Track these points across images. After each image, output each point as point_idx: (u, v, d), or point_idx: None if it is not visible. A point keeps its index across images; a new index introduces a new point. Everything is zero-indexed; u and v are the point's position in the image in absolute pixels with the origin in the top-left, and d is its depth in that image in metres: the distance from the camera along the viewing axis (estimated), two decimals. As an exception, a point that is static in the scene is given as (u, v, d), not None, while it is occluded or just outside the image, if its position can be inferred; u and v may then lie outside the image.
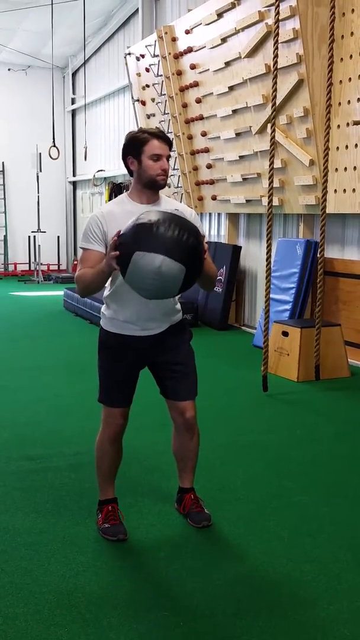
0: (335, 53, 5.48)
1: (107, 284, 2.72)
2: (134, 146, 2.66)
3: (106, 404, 2.79)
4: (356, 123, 5.46)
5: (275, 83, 5.37)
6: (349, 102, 5.63)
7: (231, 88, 7.17)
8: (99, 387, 2.82)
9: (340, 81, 5.68)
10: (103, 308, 2.82)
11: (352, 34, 5.54)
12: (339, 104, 5.71)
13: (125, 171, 11.72)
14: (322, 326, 5.38)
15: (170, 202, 2.79)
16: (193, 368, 2.84)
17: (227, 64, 7.15)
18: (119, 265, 2.41)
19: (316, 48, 5.74)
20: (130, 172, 2.70)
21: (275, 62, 5.29)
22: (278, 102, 5.92)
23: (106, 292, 2.76)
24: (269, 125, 5.31)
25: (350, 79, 5.59)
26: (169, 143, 2.69)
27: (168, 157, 2.68)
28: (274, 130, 5.37)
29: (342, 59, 5.65)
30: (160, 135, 2.67)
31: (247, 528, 2.85)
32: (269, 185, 5.31)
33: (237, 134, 7.22)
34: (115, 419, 2.78)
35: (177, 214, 2.42)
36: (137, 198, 2.70)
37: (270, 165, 5.35)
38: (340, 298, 6.06)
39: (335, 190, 5.78)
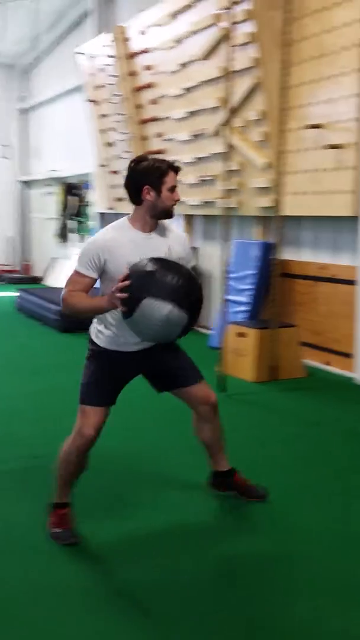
0: (290, 57, 5.55)
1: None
2: (153, 176, 2.61)
3: (93, 404, 2.70)
4: (311, 127, 5.54)
5: (231, 86, 5.41)
6: (304, 105, 5.71)
7: (186, 90, 7.18)
8: (83, 392, 2.74)
9: (296, 85, 5.75)
10: (99, 326, 2.73)
11: (306, 38, 5.62)
12: (295, 107, 5.78)
13: (80, 171, 11.52)
14: (278, 327, 5.44)
15: (168, 227, 2.77)
16: (188, 356, 2.93)
17: (182, 65, 7.16)
18: (125, 307, 2.41)
19: (271, 51, 5.79)
20: (138, 201, 2.64)
21: (231, 66, 5.32)
22: (234, 105, 5.96)
23: (106, 315, 2.68)
24: (225, 128, 5.34)
25: (305, 83, 5.67)
26: (178, 172, 2.69)
27: None
28: (229, 133, 5.40)
29: (297, 62, 5.72)
30: (175, 167, 2.67)
31: (205, 526, 2.84)
32: (225, 187, 5.35)
33: (193, 136, 7.23)
34: (93, 421, 2.68)
35: (183, 263, 2.51)
36: (140, 226, 2.67)
37: (226, 168, 5.39)
38: (296, 299, 6.13)
39: (291, 193, 5.84)
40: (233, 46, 5.39)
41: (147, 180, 2.61)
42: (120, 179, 8.87)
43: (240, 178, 6.45)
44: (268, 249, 6.26)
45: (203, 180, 7.24)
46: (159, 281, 2.38)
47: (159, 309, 2.36)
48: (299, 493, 3.24)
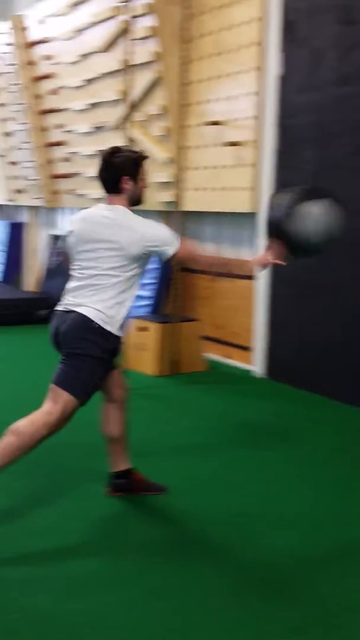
0: (190, 53, 5.59)
1: (115, 290, 2.74)
2: (133, 167, 2.82)
3: (84, 401, 2.73)
4: (211, 124, 5.60)
5: (130, 79, 5.39)
6: (204, 102, 5.76)
7: (87, 81, 7.08)
8: (79, 384, 2.71)
9: (196, 81, 5.80)
10: (108, 310, 2.72)
11: (206, 34, 5.67)
12: (195, 103, 5.83)
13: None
14: (180, 321, 5.47)
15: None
16: None
17: (83, 57, 7.06)
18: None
19: (172, 47, 5.80)
20: (116, 190, 2.81)
21: (131, 59, 5.30)
22: (134, 98, 5.94)
23: (115, 294, 2.74)
24: (126, 121, 5.32)
25: (205, 80, 5.72)
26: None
27: None
28: (130, 127, 5.38)
29: (196, 59, 5.76)
30: (145, 156, 2.92)
31: (103, 524, 2.83)
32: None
33: (94, 129, 7.15)
34: (70, 415, 2.72)
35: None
36: None
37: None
38: (198, 294, 6.20)
39: (192, 189, 5.89)
40: (133, 40, 5.37)
41: (126, 171, 2.80)
42: (20, 170, 8.74)
43: (142, 172, 6.42)
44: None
45: (104, 174, 7.17)
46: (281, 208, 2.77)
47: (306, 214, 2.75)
48: (195, 484, 3.28)
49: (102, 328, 2.72)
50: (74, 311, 2.75)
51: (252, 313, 5.50)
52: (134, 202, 2.87)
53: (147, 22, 5.86)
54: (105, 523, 2.85)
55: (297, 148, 4.94)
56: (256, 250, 5.47)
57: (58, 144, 7.94)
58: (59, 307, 2.85)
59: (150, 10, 5.76)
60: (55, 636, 2.07)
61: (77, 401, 2.71)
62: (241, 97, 5.39)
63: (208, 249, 6.16)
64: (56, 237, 8.44)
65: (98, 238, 2.78)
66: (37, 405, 2.72)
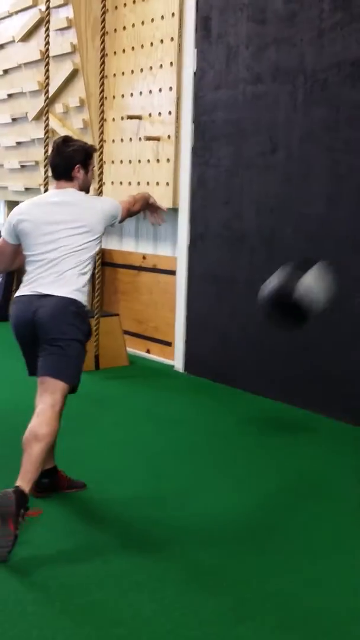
0: (108, 46, 5.55)
1: (87, 267, 2.88)
2: (85, 157, 2.96)
3: (72, 389, 2.87)
4: (130, 117, 5.59)
5: (48, 70, 5.32)
6: (122, 96, 5.74)
7: (5, 71, 6.94)
8: (71, 372, 2.81)
9: (114, 74, 5.77)
10: (82, 287, 2.86)
11: (124, 28, 5.65)
12: (113, 97, 5.80)
13: None
14: (101, 316, 5.46)
15: None
16: None
17: (1, 46, 6.91)
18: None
19: (90, 39, 5.75)
20: (68, 178, 2.93)
21: (47, 50, 5.23)
22: (53, 90, 5.87)
23: (83, 272, 2.87)
24: (46, 112, 5.25)
25: (123, 73, 5.70)
26: None
27: None
28: (47, 118, 5.32)
29: (115, 52, 5.73)
30: (95, 149, 3.15)
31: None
32: (45, 174, 5.26)
33: (13, 119, 7.02)
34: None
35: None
36: None
37: (45, 154, 5.30)
38: (120, 288, 6.19)
39: (112, 183, 5.87)
40: (48, 30, 5.29)
41: (78, 160, 2.93)
42: None
43: (62, 165, 6.35)
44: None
45: (25, 166, 7.06)
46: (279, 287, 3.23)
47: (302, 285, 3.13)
48: (115, 477, 3.31)
49: (83, 309, 2.83)
50: (50, 295, 2.78)
51: (173, 308, 5.54)
52: (83, 191, 3.00)
53: (65, 13, 5.78)
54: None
55: (213, 145, 4.99)
56: (176, 245, 5.51)
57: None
58: (23, 292, 2.86)
59: (67, 1, 5.69)
60: None
61: (70, 386, 2.82)
62: (158, 92, 5.39)
63: (129, 244, 6.15)
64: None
65: (59, 219, 2.85)
66: None
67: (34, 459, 2.62)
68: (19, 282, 3.03)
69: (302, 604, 2.30)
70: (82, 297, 2.86)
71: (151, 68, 5.43)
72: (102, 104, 5.34)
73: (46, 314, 2.75)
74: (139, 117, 5.55)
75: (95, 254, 2.98)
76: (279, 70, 4.45)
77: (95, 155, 3.08)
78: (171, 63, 5.24)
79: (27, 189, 7.10)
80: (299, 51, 4.31)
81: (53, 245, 2.84)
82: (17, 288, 2.97)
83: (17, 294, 2.91)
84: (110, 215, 3.00)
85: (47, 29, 5.31)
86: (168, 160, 5.35)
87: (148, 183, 5.52)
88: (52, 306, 2.76)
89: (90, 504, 3.04)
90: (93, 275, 5.79)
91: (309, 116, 4.29)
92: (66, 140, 3.02)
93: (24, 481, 2.57)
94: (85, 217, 2.89)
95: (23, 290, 2.88)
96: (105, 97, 5.46)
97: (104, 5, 5.30)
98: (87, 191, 3.03)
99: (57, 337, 2.75)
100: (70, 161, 2.93)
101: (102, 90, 5.32)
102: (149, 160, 5.53)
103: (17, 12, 6.54)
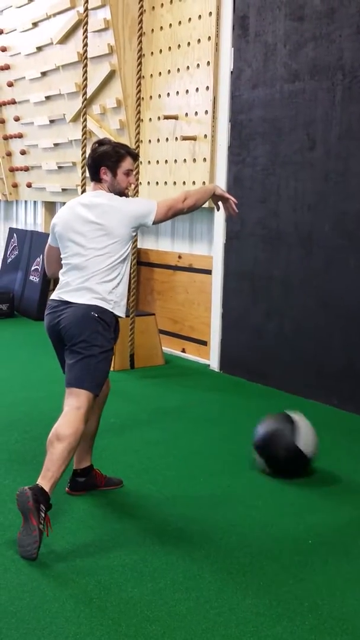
0: (145, 46, 5.58)
1: (114, 272, 2.85)
2: (110, 159, 2.91)
3: (98, 395, 2.84)
4: (166, 117, 5.60)
5: (86, 72, 5.37)
6: (159, 96, 5.76)
7: (44, 74, 7.02)
8: (94, 381, 2.79)
9: (151, 75, 5.79)
10: (108, 294, 2.83)
11: (161, 28, 5.66)
12: (150, 97, 5.82)
13: None
14: (137, 316, 5.48)
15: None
16: None
17: (39, 49, 6.99)
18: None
19: (127, 40, 5.78)
20: (98, 179, 2.94)
21: (85, 52, 5.27)
22: (90, 91, 5.92)
23: (113, 278, 2.85)
24: (84, 114, 5.30)
25: (160, 74, 5.72)
26: (137, 159, 3.11)
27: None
28: (85, 120, 5.36)
29: (152, 52, 5.75)
30: (133, 153, 3.00)
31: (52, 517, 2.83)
32: (82, 175, 5.30)
33: (51, 121, 7.10)
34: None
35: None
36: None
37: (82, 155, 5.34)
38: (155, 288, 6.20)
39: (148, 183, 5.89)
40: (86, 32, 5.34)
41: (105, 162, 2.91)
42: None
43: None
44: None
45: (62, 167, 7.13)
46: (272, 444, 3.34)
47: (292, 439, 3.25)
48: (148, 476, 3.31)
49: (106, 314, 2.81)
50: (72, 303, 2.81)
51: (208, 307, 5.53)
52: (115, 194, 2.94)
53: (102, 15, 5.82)
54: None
55: (249, 143, 4.97)
56: (211, 244, 5.50)
57: (16, 136, 7.87)
58: (53, 297, 2.91)
59: (105, 2, 5.72)
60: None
61: (92, 395, 2.80)
62: (195, 92, 5.39)
63: (165, 244, 6.17)
64: (14, 231, 8.37)
65: (85, 221, 2.85)
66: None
67: (55, 458, 2.64)
68: (56, 282, 3.06)
69: (341, 604, 2.26)
70: (106, 304, 2.82)
71: (188, 68, 5.43)
72: (139, 105, 5.36)
73: (68, 322, 2.79)
74: (175, 117, 5.55)
75: (124, 258, 2.89)
76: (316, 67, 4.41)
77: (128, 158, 2.95)
78: (208, 62, 5.24)
79: (64, 189, 7.18)
80: (338, 47, 4.26)
81: (77, 249, 2.85)
82: (54, 288, 3.00)
83: (50, 297, 2.96)
84: (138, 216, 2.89)
85: (85, 31, 5.36)
86: (204, 159, 5.34)
87: (184, 183, 5.52)
88: (73, 314, 2.79)
89: (126, 501, 3.06)
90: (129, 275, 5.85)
91: (348, 113, 4.25)
92: (100, 142, 3.01)
93: (45, 479, 2.61)
94: (106, 218, 2.83)
95: (53, 295, 2.93)
96: (142, 98, 5.49)
97: (142, 6, 5.32)
98: (120, 194, 2.94)
99: (79, 344, 2.77)
100: (97, 163, 2.93)
101: (139, 91, 5.35)
102: (185, 160, 5.53)
103: (55, 15, 6.61)
